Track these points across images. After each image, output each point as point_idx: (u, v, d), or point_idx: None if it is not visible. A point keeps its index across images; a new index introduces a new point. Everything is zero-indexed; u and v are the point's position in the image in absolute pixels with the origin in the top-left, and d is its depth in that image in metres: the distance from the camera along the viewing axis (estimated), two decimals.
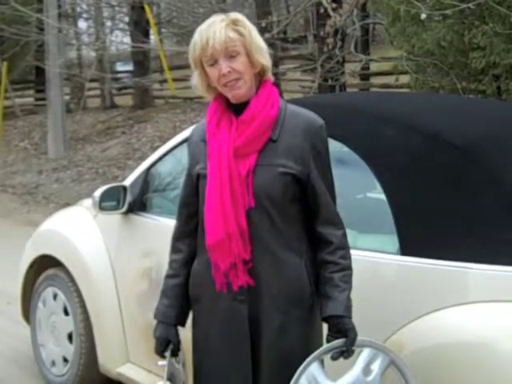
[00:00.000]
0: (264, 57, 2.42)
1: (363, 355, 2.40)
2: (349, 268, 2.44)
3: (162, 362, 2.60)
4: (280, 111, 2.43)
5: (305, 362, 2.33)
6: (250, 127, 2.37)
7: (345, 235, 2.46)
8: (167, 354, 2.58)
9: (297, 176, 2.39)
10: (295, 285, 2.41)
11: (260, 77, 2.45)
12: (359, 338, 2.39)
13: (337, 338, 2.36)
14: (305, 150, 2.39)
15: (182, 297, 2.58)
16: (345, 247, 2.45)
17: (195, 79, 2.47)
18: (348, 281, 2.42)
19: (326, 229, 2.43)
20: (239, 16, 2.42)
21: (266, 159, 2.38)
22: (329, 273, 2.41)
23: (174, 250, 2.63)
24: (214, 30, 2.34)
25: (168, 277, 2.63)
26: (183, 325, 2.62)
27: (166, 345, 2.58)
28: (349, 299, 2.40)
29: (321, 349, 2.37)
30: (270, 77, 2.48)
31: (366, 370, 2.39)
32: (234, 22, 2.37)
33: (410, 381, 2.42)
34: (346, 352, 2.36)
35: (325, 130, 2.46)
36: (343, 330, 2.36)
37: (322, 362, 2.39)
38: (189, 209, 2.58)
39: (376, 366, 2.40)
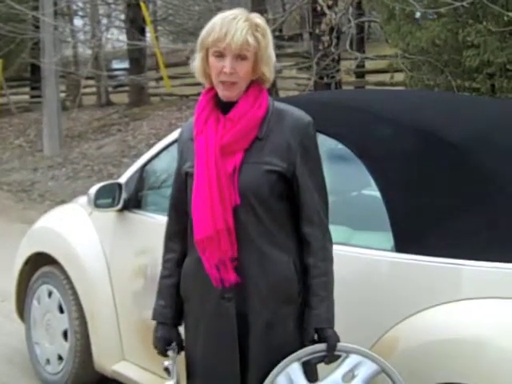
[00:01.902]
0: (269, 69, 2.42)
1: (347, 361, 2.39)
2: (329, 272, 2.43)
3: (167, 363, 2.59)
4: (267, 110, 2.43)
5: (283, 362, 2.34)
6: (237, 125, 2.37)
7: (326, 236, 2.44)
8: (171, 353, 2.57)
9: (283, 173, 2.38)
10: (283, 282, 2.40)
11: (255, 83, 2.43)
12: (345, 344, 2.39)
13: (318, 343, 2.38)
14: (291, 147, 2.39)
15: (177, 296, 2.58)
16: (325, 248, 2.43)
17: (196, 61, 2.45)
18: (328, 288, 2.41)
19: (307, 228, 2.42)
20: (262, 21, 2.40)
21: (253, 157, 2.38)
22: (309, 279, 2.41)
23: (167, 249, 2.64)
24: (236, 27, 2.31)
25: (163, 277, 2.63)
26: (180, 324, 2.62)
27: (168, 345, 2.58)
28: (329, 309, 2.40)
29: (301, 351, 2.37)
30: (267, 87, 2.47)
31: (348, 376, 2.37)
32: (256, 27, 2.36)
33: None
34: (327, 357, 2.37)
35: (313, 128, 2.45)
36: (324, 337, 2.37)
37: (303, 364, 2.37)
38: (179, 208, 2.58)
39: (360, 373, 2.37)
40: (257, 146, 2.39)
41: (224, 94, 2.39)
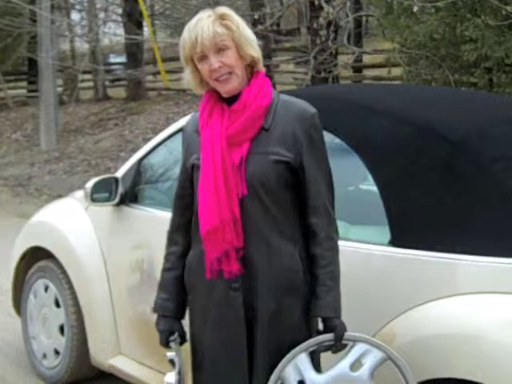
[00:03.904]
0: (254, 49, 2.43)
1: (354, 350, 2.40)
2: (336, 262, 2.44)
3: (170, 353, 2.59)
4: (272, 101, 2.44)
5: (291, 352, 2.36)
6: (242, 116, 2.39)
7: (331, 226, 2.46)
8: (173, 345, 2.58)
9: (290, 163, 2.40)
10: (289, 272, 2.41)
11: (251, 68, 2.46)
12: (352, 333, 2.40)
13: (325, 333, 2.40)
14: (298, 137, 2.40)
15: (179, 289, 2.59)
16: (330, 238, 2.45)
17: (187, 76, 2.49)
18: (334, 277, 2.43)
19: (312, 218, 2.43)
20: (226, 10, 2.43)
21: (259, 147, 2.39)
22: (315, 269, 2.43)
23: (171, 242, 2.64)
24: (202, 26, 2.35)
25: (165, 270, 2.64)
26: (182, 317, 2.63)
27: (171, 336, 2.59)
28: (336, 299, 2.41)
29: (309, 341, 2.39)
30: (262, 68, 2.49)
31: (355, 365, 2.39)
32: (222, 17, 2.39)
33: (408, 377, 2.40)
34: (334, 346, 2.39)
35: (318, 119, 2.46)
36: (331, 327, 2.39)
37: (310, 354, 2.39)
38: (184, 201, 2.59)
39: (367, 362, 2.39)
40: (263, 137, 2.40)
41: (225, 88, 2.41)
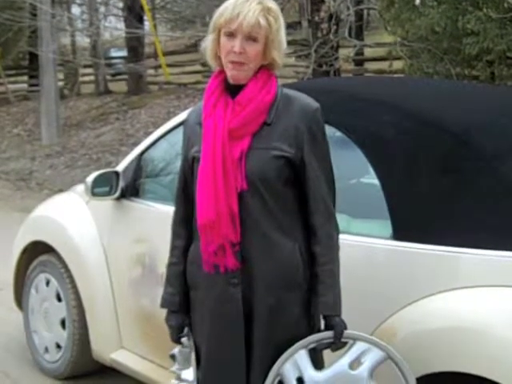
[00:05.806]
0: (279, 54, 2.43)
1: (353, 349, 2.40)
2: (335, 260, 2.43)
3: (176, 350, 2.57)
4: (276, 96, 2.43)
5: (291, 349, 2.35)
6: (245, 110, 2.37)
7: (332, 224, 2.44)
8: (185, 340, 2.56)
9: (291, 159, 2.38)
10: (288, 268, 2.40)
11: (267, 68, 2.44)
12: (352, 332, 2.40)
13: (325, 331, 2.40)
14: (299, 133, 2.39)
15: (186, 283, 2.57)
16: (331, 236, 2.43)
17: (207, 42, 2.46)
18: (333, 276, 2.42)
19: (313, 216, 2.42)
20: (275, 6, 2.41)
21: (261, 142, 2.38)
22: (315, 266, 2.42)
23: (175, 235, 2.63)
24: (249, 8, 2.33)
25: (171, 265, 2.62)
26: (189, 312, 2.61)
27: (181, 332, 2.58)
28: (335, 297, 2.41)
29: (308, 338, 2.38)
30: (275, 73, 2.47)
31: (354, 364, 2.38)
32: (269, 11, 2.37)
33: (408, 376, 2.40)
34: (334, 344, 2.38)
35: (321, 114, 2.45)
36: (331, 325, 2.39)
37: (310, 351, 2.39)
38: (186, 193, 2.57)
39: (366, 361, 2.38)
40: (265, 131, 2.39)
41: (232, 74, 2.38)
